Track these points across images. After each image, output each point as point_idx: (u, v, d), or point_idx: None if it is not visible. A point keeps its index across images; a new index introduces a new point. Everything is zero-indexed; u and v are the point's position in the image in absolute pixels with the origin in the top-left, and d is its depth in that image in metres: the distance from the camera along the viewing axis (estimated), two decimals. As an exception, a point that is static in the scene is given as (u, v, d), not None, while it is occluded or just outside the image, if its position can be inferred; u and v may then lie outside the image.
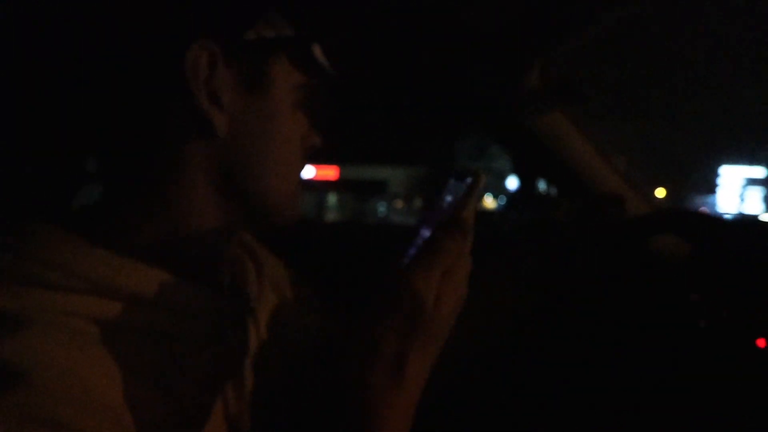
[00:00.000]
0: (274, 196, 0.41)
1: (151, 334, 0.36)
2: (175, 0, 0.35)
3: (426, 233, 0.38)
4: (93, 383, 0.31)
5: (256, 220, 0.43)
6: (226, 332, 0.40)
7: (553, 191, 0.98)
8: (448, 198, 0.40)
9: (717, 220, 0.79)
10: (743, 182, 18.13)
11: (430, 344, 0.35)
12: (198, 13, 0.36)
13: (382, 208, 17.23)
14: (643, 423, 0.74)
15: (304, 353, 0.48)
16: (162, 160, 0.38)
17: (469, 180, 0.38)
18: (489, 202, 15.43)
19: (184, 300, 0.38)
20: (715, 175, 18.68)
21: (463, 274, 0.37)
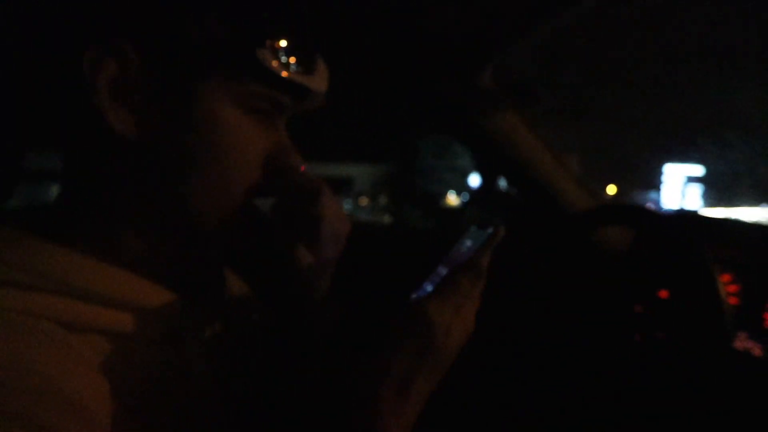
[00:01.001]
0: (201, 213, 0.38)
1: (112, 334, 0.36)
2: None
3: (443, 272, 0.42)
4: (56, 380, 0.31)
5: (190, 236, 0.40)
6: (185, 333, 0.40)
7: (513, 188, 1.04)
8: (468, 243, 0.43)
9: (657, 212, 0.87)
10: (684, 180, 19.54)
11: (436, 369, 0.38)
12: (103, 12, 0.34)
13: (347, 205, 17.16)
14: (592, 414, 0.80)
15: (257, 350, 0.48)
16: (89, 161, 0.37)
17: (490, 230, 0.41)
18: (452, 199, 15.72)
19: (145, 300, 0.38)
20: (660, 173, 20.00)
21: (472, 312, 0.40)
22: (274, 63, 0.37)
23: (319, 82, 0.40)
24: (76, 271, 0.35)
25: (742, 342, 0.78)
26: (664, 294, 0.85)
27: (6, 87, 0.36)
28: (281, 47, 0.37)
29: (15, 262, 0.33)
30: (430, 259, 0.44)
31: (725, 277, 0.85)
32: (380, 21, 0.62)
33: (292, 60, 0.38)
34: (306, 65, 0.39)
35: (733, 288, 0.83)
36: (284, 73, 0.37)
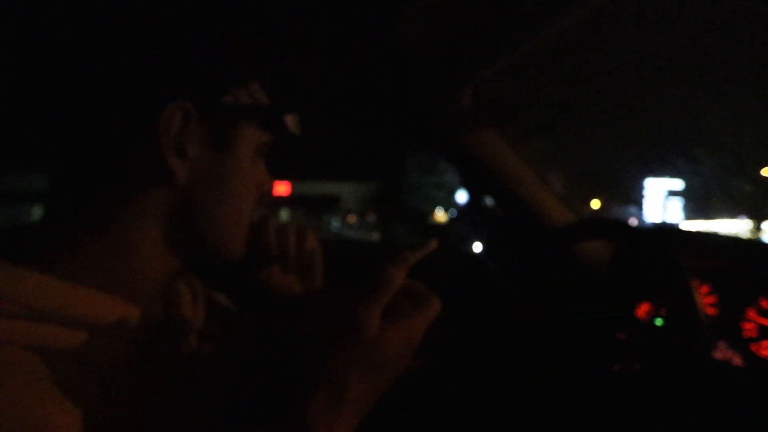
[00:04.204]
0: (226, 239, 0.44)
1: (86, 359, 0.35)
2: (159, 65, 0.37)
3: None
4: (26, 408, 0.31)
5: (206, 259, 0.45)
6: (162, 355, 0.40)
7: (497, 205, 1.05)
8: None
9: (634, 226, 0.89)
10: (665, 194, 20.06)
11: (374, 374, 0.36)
12: (180, 77, 0.38)
13: (335, 223, 17.14)
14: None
15: (240, 371, 0.48)
16: (117, 194, 0.39)
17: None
18: (440, 215, 15.82)
19: (120, 324, 0.38)
20: (642, 187, 20.50)
21: (418, 320, 0.39)
22: (291, 123, 0.46)
23: (297, 126, 0.49)
24: (45, 294, 0.34)
25: (722, 352, 0.79)
26: (644, 308, 0.87)
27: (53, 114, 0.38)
28: (296, 112, 0.47)
29: None
30: (417, 275, 0.45)
31: (703, 288, 0.87)
32: (361, 44, 0.64)
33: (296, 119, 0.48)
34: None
35: (711, 299, 0.85)
36: (294, 130, 0.47)
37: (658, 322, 0.82)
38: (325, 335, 0.37)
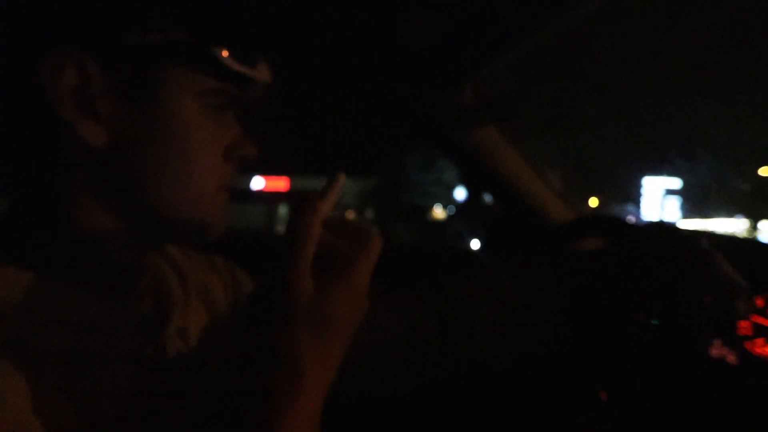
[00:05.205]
0: (176, 211, 0.38)
1: (64, 354, 0.34)
2: (26, 9, 0.32)
3: None
4: (4, 402, 0.30)
5: (165, 236, 0.40)
6: (144, 346, 0.39)
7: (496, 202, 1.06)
8: None
9: (632, 223, 0.90)
10: (663, 192, 20.18)
11: (325, 333, 0.34)
12: (55, 21, 0.33)
13: (333, 219, 17.06)
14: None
15: (234, 359, 0.46)
16: (48, 174, 0.36)
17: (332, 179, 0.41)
18: (439, 212, 15.82)
19: (98, 317, 0.37)
20: (640, 185, 20.61)
21: (359, 276, 0.36)
22: (227, 59, 0.38)
23: (263, 73, 0.42)
24: (25, 291, 0.33)
25: (717, 349, 0.80)
26: (641, 306, 0.87)
27: None
28: (230, 45, 0.39)
29: None
30: (414, 271, 0.45)
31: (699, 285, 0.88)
32: (363, 39, 0.64)
33: (239, 56, 0.39)
34: (250, 59, 0.40)
35: (707, 297, 0.86)
36: (236, 67, 0.39)
37: (654, 320, 0.83)
38: (265, 308, 0.35)
